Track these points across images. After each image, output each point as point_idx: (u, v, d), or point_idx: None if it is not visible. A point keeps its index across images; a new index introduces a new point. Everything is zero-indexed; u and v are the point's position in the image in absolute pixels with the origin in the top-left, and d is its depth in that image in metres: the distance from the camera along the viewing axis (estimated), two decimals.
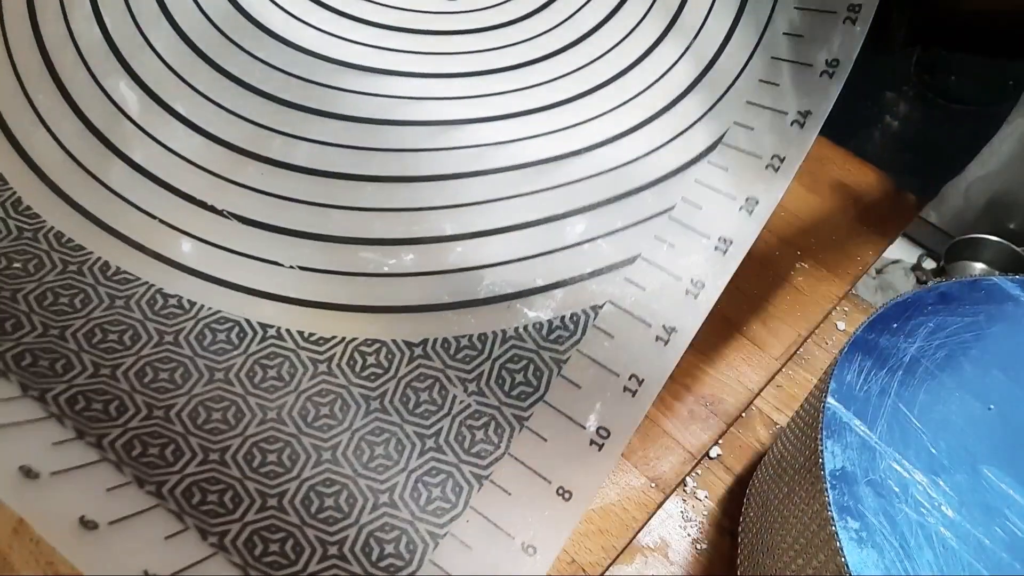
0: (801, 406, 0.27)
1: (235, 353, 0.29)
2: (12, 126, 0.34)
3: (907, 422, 0.23)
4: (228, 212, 0.31)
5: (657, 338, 0.29)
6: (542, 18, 0.36)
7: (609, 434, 0.28)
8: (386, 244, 0.31)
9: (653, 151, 0.33)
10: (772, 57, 0.32)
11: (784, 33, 0.32)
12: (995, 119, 0.42)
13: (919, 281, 0.58)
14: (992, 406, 0.23)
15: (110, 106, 0.33)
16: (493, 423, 0.28)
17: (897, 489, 0.21)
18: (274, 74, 0.33)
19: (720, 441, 0.34)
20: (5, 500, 0.24)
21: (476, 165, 0.32)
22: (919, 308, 0.25)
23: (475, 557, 0.26)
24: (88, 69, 0.34)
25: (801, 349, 0.37)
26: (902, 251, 0.62)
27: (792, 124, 0.32)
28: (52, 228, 0.31)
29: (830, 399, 0.23)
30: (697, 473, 0.33)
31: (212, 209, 0.32)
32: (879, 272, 0.61)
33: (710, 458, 0.34)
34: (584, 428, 0.28)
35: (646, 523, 0.31)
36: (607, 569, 0.30)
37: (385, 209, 0.31)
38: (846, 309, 0.39)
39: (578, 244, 0.31)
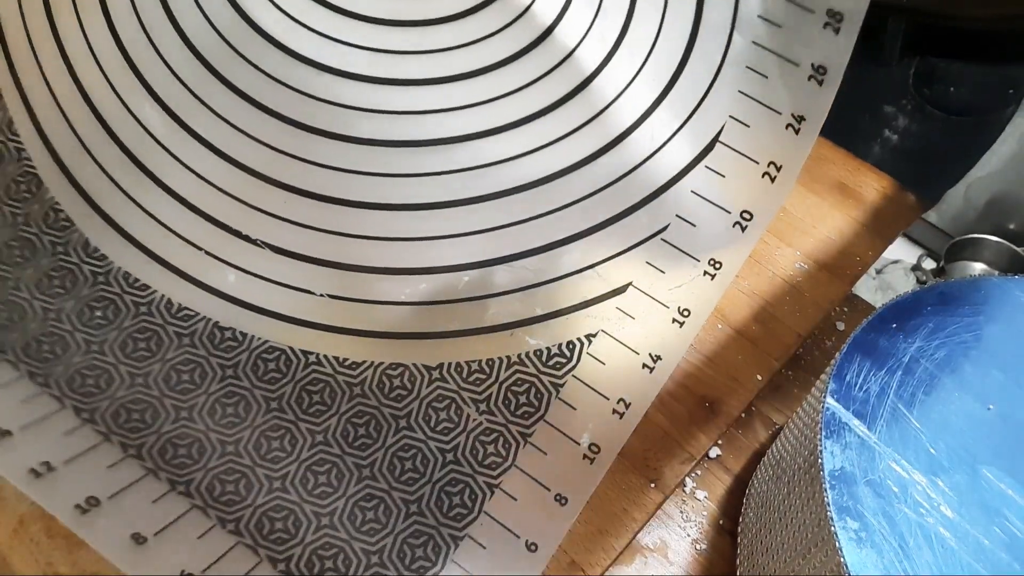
0: (801, 406, 0.27)
1: (285, 381, 0.32)
2: (65, 159, 0.35)
3: (906, 422, 0.23)
4: (262, 241, 0.33)
5: (644, 365, 0.32)
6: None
7: (599, 450, 0.31)
8: (401, 273, 0.33)
9: (654, 153, 0.33)
10: (753, 42, 0.32)
11: (759, 16, 0.32)
12: (996, 126, 0.41)
13: (919, 281, 0.58)
14: (991, 406, 0.23)
15: (139, 128, 0.34)
16: (501, 439, 0.31)
17: (896, 489, 0.21)
18: (279, 89, 0.33)
19: (720, 441, 0.34)
20: (123, 569, 0.25)
21: (478, 189, 0.33)
22: (919, 308, 0.25)
23: (488, 555, 0.29)
24: (113, 88, 0.34)
25: (801, 349, 0.36)
26: (902, 251, 0.62)
27: (787, 128, 0.32)
28: (119, 268, 0.33)
29: (829, 399, 0.23)
30: (697, 474, 0.33)
31: (247, 239, 0.33)
32: (879, 272, 0.61)
33: (710, 459, 0.34)
34: (578, 444, 0.31)
35: (646, 523, 0.31)
36: (607, 569, 0.30)
37: (396, 239, 0.33)
38: (846, 309, 0.39)
39: (574, 273, 0.33)
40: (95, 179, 0.34)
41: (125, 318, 0.32)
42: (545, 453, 0.31)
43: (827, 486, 0.21)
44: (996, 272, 0.52)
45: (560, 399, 0.31)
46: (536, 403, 0.31)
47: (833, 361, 0.24)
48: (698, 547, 0.32)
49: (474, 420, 0.31)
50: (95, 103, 0.34)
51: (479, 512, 0.30)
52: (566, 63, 0.32)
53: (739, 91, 0.33)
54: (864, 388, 0.23)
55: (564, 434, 0.31)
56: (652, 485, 0.32)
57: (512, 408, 0.31)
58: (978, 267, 0.55)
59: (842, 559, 0.20)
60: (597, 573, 0.30)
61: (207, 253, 0.33)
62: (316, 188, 0.33)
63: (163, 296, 0.33)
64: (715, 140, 0.33)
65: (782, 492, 0.26)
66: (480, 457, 0.31)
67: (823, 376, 0.25)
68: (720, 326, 0.35)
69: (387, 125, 0.33)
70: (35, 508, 0.30)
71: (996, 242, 0.54)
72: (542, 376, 0.32)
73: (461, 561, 0.29)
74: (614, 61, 0.33)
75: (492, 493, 0.30)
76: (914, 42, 0.41)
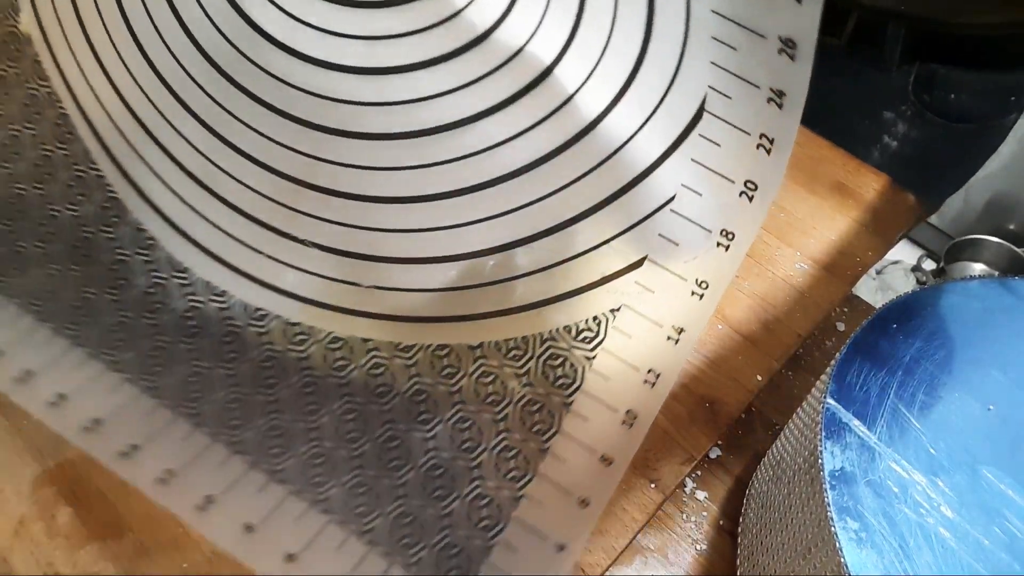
0: (801, 407, 0.27)
1: (351, 368, 0.34)
2: (138, 182, 0.36)
3: (906, 423, 0.23)
4: (309, 241, 0.35)
5: (668, 337, 0.33)
6: None
7: (636, 416, 0.32)
8: (430, 262, 0.34)
9: (644, 124, 0.32)
10: (712, 11, 0.31)
11: None
12: (997, 133, 0.41)
13: (919, 282, 0.58)
14: (992, 406, 0.23)
15: (186, 145, 0.35)
16: (545, 408, 0.33)
17: (896, 490, 0.21)
18: (287, 91, 0.33)
19: (720, 442, 0.34)
20: (240, 557, 0.28)
21: (487, 173, 0.33)
22: (918, 309, 0.25)
23: (546, 511, 0.31)
24: (156, 108, 0.35)
25: (801, 349, 0.37)
26: (902, 252, 0.62)
27: (769, 102, 0.31)
28: (200, 279, 0.35)
29: (830, 400, 0.23)
30: (697, 474, 0.34)
31: (295, 239, 0.35)
32: (879, 273, 0.61)
33: (710, 459, 0.34)
34: (616, 411, 0.32)
35: (646, 524, 0.31)
36: (607, 569, 0.30)
37: (418, 230, 0.34)
38: (846, 310, 0.39)
39: (590, 250, 0.34)
40: (164, 196, 0.36)
41: (213, 324, 0.34)
42: (587, 419, 0.32)
43: (827, 486, 0.22)
44: (996, 273, 0.52)
45: (594, 371, 0.33)
46: (572, 375, 0.33)
47: (833, 361, 0.24)
48: (698, 547, 0.32)
49: (518, 392, 0.33)
50: (145, 123, 0.35)
51: (534, 474, 0.31)
52: (527, 46, 0.32)
53: (711, 62, 0.32)
54: (864, 388, 0.23)
55: (602, 402, 0.32)
56: (652, 485, 0.32)
57: (551, 380, 0.33)
58: (978, 268, 0.55)
59: (842, 559, 0.20)
60: (597, 573, 0.30)
61: (267, 256, 0.35)
62: (343, 187, 0.34)
63: (239, 300, 0.35)
64: (701, 110, 0.33)
65: (782, 492, 0.26)
66: (528, 424, 0.32)
67: (823, 376, 0.25)
68: (720, 326, 0.35)
69: (388, 117, 0.33)
70: (35, 508, 0.30)
71: (996, 243, 0.54)
72: (574, 350, 0.33)
73: (523, 517, 0.31)
74: (578, 39, 0.32)
75: (543, 457, 0.32)
76: (914, 48, 0.40)
